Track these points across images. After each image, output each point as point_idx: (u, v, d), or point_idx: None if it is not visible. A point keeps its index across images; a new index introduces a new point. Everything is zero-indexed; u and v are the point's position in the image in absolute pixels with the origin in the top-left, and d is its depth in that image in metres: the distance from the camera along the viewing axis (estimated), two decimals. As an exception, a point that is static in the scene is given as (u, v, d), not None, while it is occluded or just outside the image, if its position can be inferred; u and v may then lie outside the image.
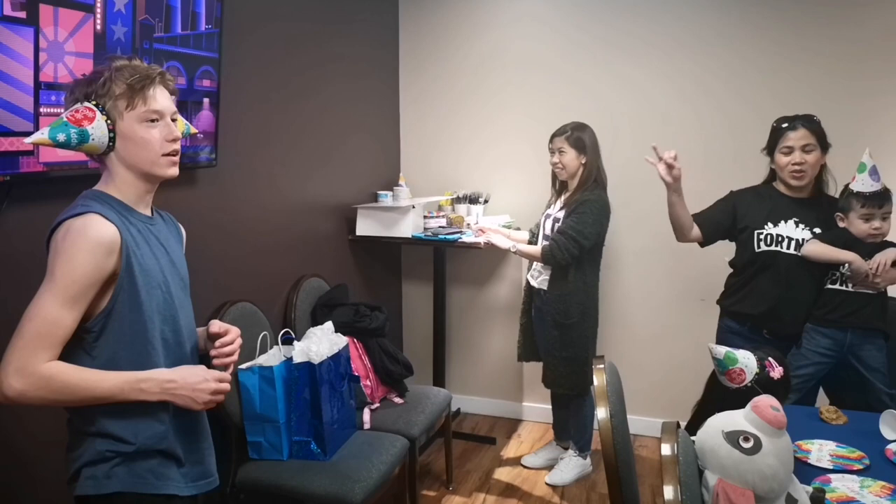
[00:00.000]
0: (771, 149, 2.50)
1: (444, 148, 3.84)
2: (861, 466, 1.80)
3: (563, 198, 3.06)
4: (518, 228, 3.46)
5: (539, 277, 3.08)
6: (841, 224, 2.40)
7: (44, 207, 1.68)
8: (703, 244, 2.66)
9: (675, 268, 3.44)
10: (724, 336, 2.59)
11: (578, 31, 3.53)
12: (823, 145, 2.43)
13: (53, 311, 1.28)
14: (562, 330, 2.98)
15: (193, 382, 1.40)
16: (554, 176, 3.10)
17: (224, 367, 1.52)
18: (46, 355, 1.28)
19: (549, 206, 3.15)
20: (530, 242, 3.20)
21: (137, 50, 1.93)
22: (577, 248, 2.89)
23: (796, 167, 2.42)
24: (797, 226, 2.44)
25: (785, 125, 2.46)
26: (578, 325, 2.98)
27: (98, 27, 1.81)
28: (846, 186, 2.41)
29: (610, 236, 3.09)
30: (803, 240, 2.41)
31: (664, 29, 3.40)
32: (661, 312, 3.55)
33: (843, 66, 3.17)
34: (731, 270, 2.66)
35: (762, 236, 2.47)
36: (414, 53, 3.84)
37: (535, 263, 3.13)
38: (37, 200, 1.75)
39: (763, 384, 1.81)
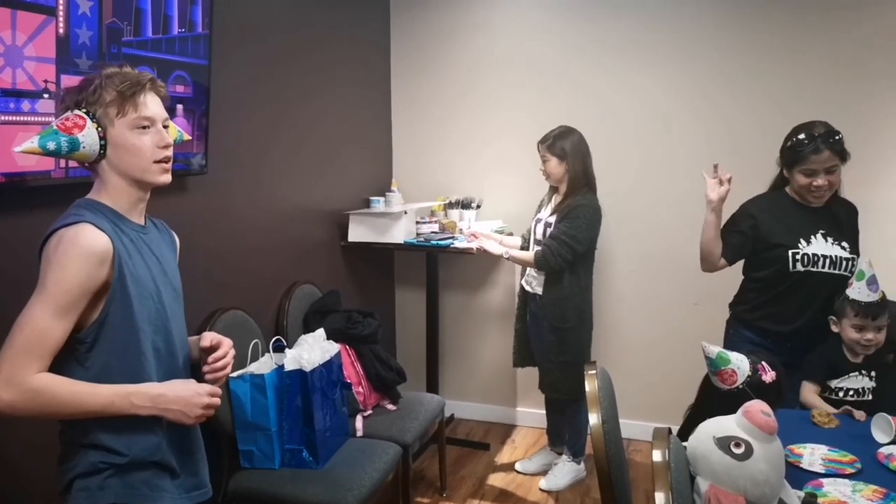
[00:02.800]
0: (788, 164, 2.35)
1: (436, 153, 3.84)
2: (853, 470, 1.80)
3: (553, 203, 3.06)
4: (511, 234, 3.47)
5: (534, 282, 3.08)
6: (834, 329, 2.28)
7: (33, 216, 1.67)
8: (728, 265, 2.52)
9: (668, 271, 3.45)
10: (741, 346, 2.34)
11: (569, 33, 3.54)
12: (844, 160, 2.29)
13: (44, 322, 1.27)
14: (559, 335, 2.97)
15: (185, 397, 1.38)
16: (551, 180, 3.12)
17: (216, 381, 1.51)
18: (36, 366, 1.27)
19: (539, 210, 3.15)
20: (522, 248, 3.20)
21: (105, 55, 1.86)
22: (571, 253, 2.89)
23: (817, 189, 2.29)
24: (826, 240, 2.33)
25: (807, 143, 2.26)
26: (575, 329, 2.98)
27: (61, 31, 1.73)
28: (844, 292, 2.27)
29: (603, 240, 3.10)
30: (837, 257, 2.31)
31: (655, 29, 3.41)
32: (655, 316, 3.56)
33: (841, 68, 3.18)
34: (741, 277, 2.56)
35: (798, 256, 2.33)
36: (405, 58, 3.84)
37: (528, 269, 3.13)
38: (25, 209, 1.73)
39: (755, 387, 1.81)
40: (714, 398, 1.86)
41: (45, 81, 1.69)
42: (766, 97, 3.27)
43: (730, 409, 1.54)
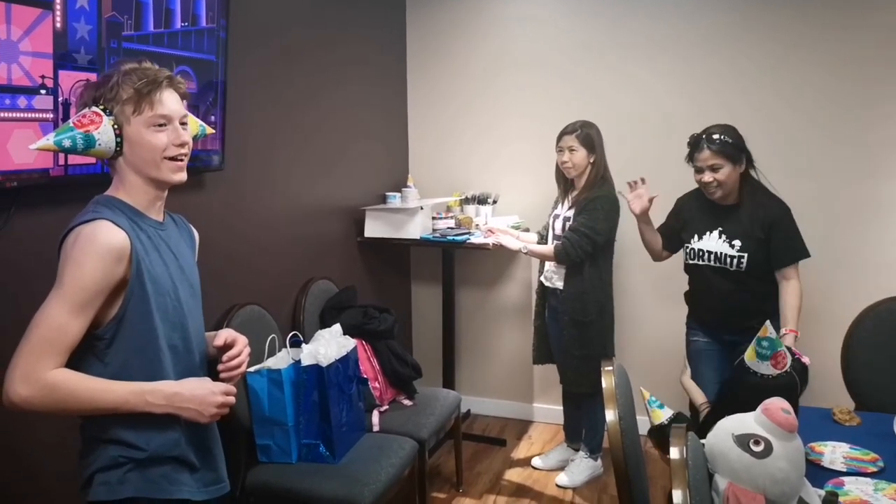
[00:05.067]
0: (687, 160, 2.56)
1: (452, 148, 3.84)
2: (875, 469, 1.78)
3: (570, 197, 3.05)
4: (527, 229, 3.45)
5: (554, 277, 3.06)
6: None
7: (54, 213, 1.68)
8: (672, 254, 2.82)
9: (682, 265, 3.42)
10: (689, 322, 2.76)
11: (585, 31, 3.52)
12: (734, 158, 2.44)
13: (61, 318, 1.28)
14: (581, 328, 2.96)
15: (200, 395, 1.38)
16: (559, 175, 3.09)
17: (231, 380, 1.50)
18: (53, 362, 1.28)
19: (555, 206, 3.13)
20: (539, 244, 3.19)
21: (104, 50, 1.81)
22: (591, 244, 2.88)
23: (706, 185, 2.49)
24: (720, 237, 2.52)
25: (693, 142, 2.51)
26: (597, 322, 2.97)
27: (58, 25, 1.67)
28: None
29: (620, 235, 3.08)
30: (722, 253, 2.50)
31: (670, 28, 3.38)
32: (672, 310, 3.52)
33: (849, 67, 3.14)
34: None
35: (688, 250, 2.62)
36: (421, 54, 3.84)
37: (547, 264, 3.11)
38: (46, 206, 1.75)
39: (798, 371, 1.80)
40: (735, 397, 1.83)
41: (42, 77, 1.65)
42: (775, 93, 3.23)
43: (749, 407, 1.53)
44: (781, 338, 2.34)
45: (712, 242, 2.54)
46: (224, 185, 2.44)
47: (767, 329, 1.78)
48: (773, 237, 2.47)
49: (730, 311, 2.54)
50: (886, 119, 3.11)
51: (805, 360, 1.85)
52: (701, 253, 2.56)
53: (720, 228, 2.53)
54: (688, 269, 2.68)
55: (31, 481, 1.78)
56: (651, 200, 2.68)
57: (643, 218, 2.72)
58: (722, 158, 2.44)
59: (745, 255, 2.47)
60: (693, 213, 2.63)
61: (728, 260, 2.50)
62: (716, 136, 2.45)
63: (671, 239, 2.76)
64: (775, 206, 2.50)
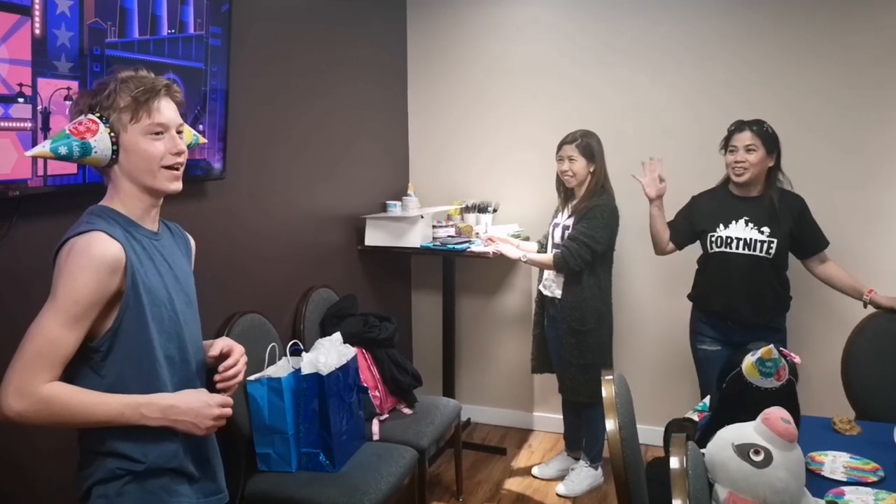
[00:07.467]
0: (723, 148, 2.73)
1: (453, 157, 3.85)
2: (876, 478, 1.77)
3: (570, 206, 3.05)
4: (527, 238, 3.46)
5: (552, 286, 3.06)
6: None
7: (38, 223, 1.66)
8: (678, 249, 2.92)
9: (684, 274, 3.41)
10: (697, 326, 2.85)
11: (586, 37, 3.53)
12: (769, 148, 2.62)
13: (55, 331, 1.26)
14: (578, 337, 2.96)
15: (196, 408, 1.37)
16: (559, 184, 3.10)
17: (227, 390, 1.50)
18: (47, 376, 1.27)
19: (555, 216, 3.14)
20: (539, 252, 3.19)
21: (86, 57, 1.76)
22: (590, 253, 2.88)
23: (737, 164, 2.64)
24: (747, 225, 2.65)
25: (737, 126, 2.68)
26: (595, 331, 2.97)
27: (37, 31, 1.62)
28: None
29: (620, 244, 3.08)
30: (752, 239, 2.62)
31: (670, 34, 3.39)
32: (672, 319, 3.52)
33: (848, 73, 3.15)
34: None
35: (714, 238, 2.70)
36: (422, 61, 3.85)
37: (546, 273, 3.11)
38: (46, 216, 1.74)
39: (793, 373, 1.80)
40: (734, 404, 1.83)
41: (20, 85, 1.61)
42: (774, 100, 3.22)
43: (750, 416, 1.53)
44: (869, 297, 2.58)
45: (740, 230, 2.65)
46: (225, 193, 2.44)
47: (772, 352, 1.77)
48: (804, 226, 2.65)
49: (747, 298, 2.64)
50: (887, 124, 3.11)
51: (796, 359, 1.86)
52: (729, 240, 2.66)
53: (746, 217, 2.65)
54: (708, 258, 2.75)
55: (28, 491, 1.78)
56: (662, 179, 2.82)
57: (657, 203, 2.83)
58: (759, 142, 2.60)
59: (775, 240, 2.60)
60: (713, 206, 2.74)
61: (758, 245, 2.62)
62: (759, 122, 2.64)
63: (681, 233, 2.85)
64: (796, 198, 2.69)
